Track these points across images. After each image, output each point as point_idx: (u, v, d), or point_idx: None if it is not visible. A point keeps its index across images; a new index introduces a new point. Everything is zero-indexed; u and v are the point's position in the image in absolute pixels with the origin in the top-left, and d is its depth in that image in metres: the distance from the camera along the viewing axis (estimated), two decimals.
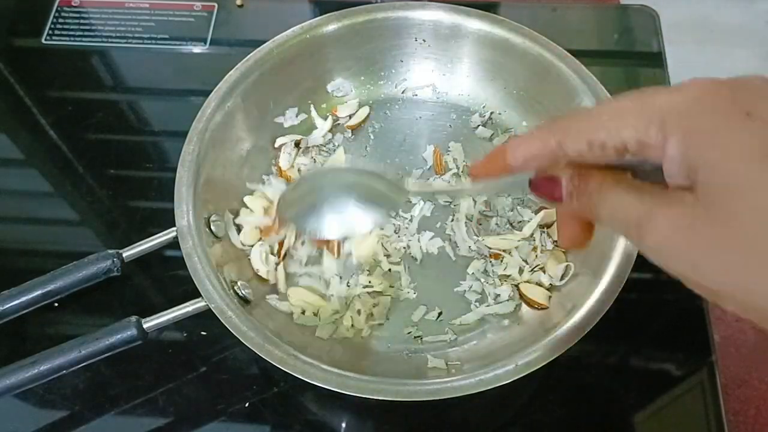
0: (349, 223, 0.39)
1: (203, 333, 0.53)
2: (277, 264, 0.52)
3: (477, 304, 0.52)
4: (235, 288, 0.48)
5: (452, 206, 0.56)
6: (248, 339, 0.43)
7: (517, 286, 0.52)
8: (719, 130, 0.26)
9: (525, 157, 0.33)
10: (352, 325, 0.51)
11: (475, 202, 0.56)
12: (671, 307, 0.54)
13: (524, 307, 0.51)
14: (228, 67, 0.55)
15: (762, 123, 0.26)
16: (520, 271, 0.52)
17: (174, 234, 0.47)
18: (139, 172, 0.62)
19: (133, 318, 0.44)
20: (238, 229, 0.53)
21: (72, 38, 0.70)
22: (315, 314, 0.51)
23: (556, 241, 0.53)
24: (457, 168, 0.58)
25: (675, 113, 0.28)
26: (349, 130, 0.60)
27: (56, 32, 0.70)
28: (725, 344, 0.53)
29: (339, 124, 0.60)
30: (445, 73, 0.61)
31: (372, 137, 0.60)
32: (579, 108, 0.31)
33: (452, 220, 0.55)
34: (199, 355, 0.53)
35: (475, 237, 0.54)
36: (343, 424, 0.51)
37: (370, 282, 0.52)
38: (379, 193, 0.39)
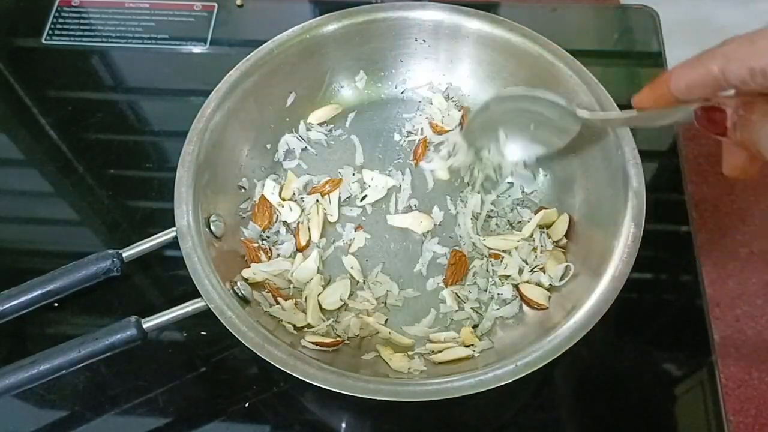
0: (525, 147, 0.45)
1: (203, 333, 0.53)
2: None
3: (482, 305, 0.52)
4: (235, 288, 0.48)
5: (458, 206, 0.57)
6: (248, 339, 0.43)
7: (516, 286, 0.52)
8: None
9: (688, 84, 0.32)
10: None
11: (482, 202, 0.56)
12: (671, 307, 0.54)
13: (525, 308, 0.51)
14: (228, 67, 0.55)
15: None
16: (520, 271, 0.52)
17: (174, 234, 0.47)
18: (139, 172, 0.63)
19: (133, 318, 0.44)
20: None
21: (72, 38, 0.70)
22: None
23: (556, 242, 0.53)
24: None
25: None
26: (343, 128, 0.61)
27: (56, 32, 0.70)
28: (725, 344, 0.53)
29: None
30: (445, 74, 0.61)
31: (368, 137, 0.60)
32: (736, 37, 0.30)
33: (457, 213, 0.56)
34: (199, 355, 0.53)
35: (477, 235, 0.54)
36: (343, 424, 0.51)
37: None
38: (551, 124, 0.44)
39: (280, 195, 0.56)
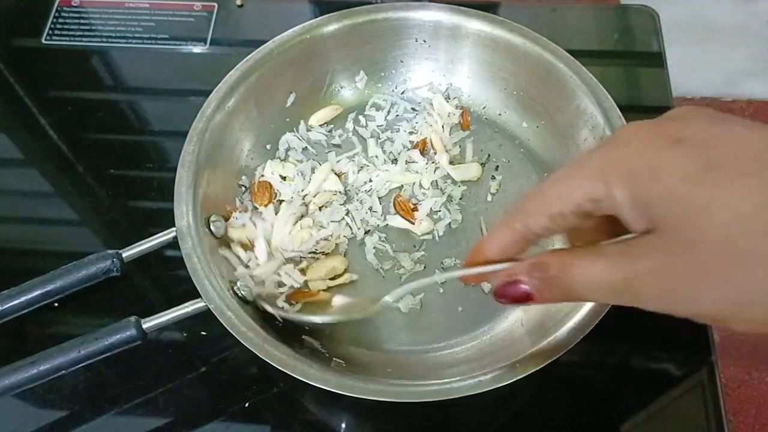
0: None
1: (203, 333, 0.53)
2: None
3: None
4: (235, 288, 0.48)
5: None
6: (247, 339, 0.43)
7: None
8: (655, 164, 0.27)
9: (500, 247, 0.34)
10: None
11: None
12: None
13: (525, 308, 0.51)
14: (228, 67, 0.55)
15: (692, 145, 0.27)
16: None
17: (174, 234, 0.47)
18: (139, 172, 0.62)
19: (133, 318, 0.44)
20: None
21: (72, 38, 0.70)
22: None
23: None
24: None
25: (611, 163, 0.29)
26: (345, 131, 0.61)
27: (56, 32, 0.70)
28: (725, 344, 0.53)
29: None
30: (446, 74, 0.61)
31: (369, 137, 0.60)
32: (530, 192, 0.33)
33: None
34: (199, 355, 0.53)
35: None
36: (343, 425, 0.51)
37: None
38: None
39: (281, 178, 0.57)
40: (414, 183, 0.58)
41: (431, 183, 0.58)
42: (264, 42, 0.56)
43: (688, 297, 0.27)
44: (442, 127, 0.59)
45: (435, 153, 0.59)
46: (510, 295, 0.33)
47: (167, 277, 0.56)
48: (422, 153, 0.59)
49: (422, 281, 0.43)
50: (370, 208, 0.56)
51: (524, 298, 0.33)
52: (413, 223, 0.55)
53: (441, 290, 0.53)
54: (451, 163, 0.58)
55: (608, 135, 0.51)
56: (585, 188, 0.29)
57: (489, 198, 0.57)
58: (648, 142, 0.28)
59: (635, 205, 0.28)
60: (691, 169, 0.26)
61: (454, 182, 0.58)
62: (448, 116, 0.60)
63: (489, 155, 0.59)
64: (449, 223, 0.56)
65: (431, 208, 0.56)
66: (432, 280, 0.42)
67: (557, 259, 0.31)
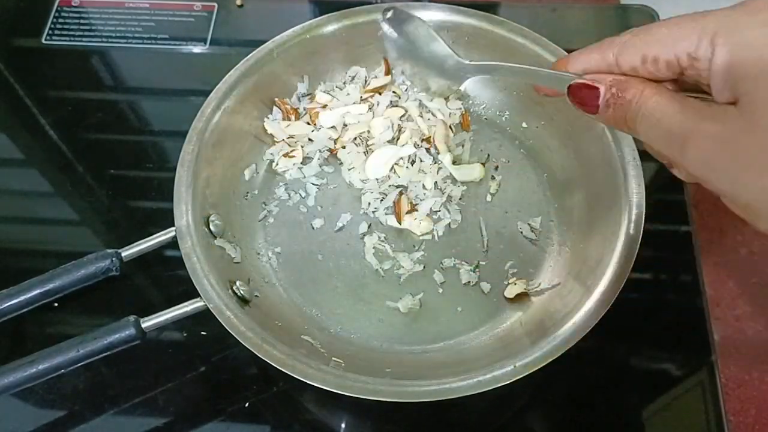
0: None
1: (203, 333, 0.53)
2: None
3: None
4: (234, 288, 0.48)
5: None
6: (246, 339, 0.43)
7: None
8: (767, 43, 0.26)
9: (584, 68, 0.34)
10: None
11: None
12: (671, 307, 0.54)
13: (524, 308, 0.51)
14: (228, 67, 0.55)
15: None
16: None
17: (173, 234, 0.47)
18: (139, 172, 0.63)
19: (132, 317, 0.44)
20: None
21: (72, 38, 0.70)
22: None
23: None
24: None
25: (726, 27, 0.28)
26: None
27: (56, 32, 0.70)
28: (725, 344, 0.53)
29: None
30: None
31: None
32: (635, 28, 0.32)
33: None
34: (198, 355, 0.53)
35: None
36: (343, 424, 0.51)
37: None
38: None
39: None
40: (419, 182, 0.58)
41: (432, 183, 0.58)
42: (264, 42, 0.56)
43: (734, 174, 0.27)
44: (449, 126, 0.59)
45: (438, 153, 0.59)
46: (581, 97, 0.34)
47: (166, 277, 0.56)
48: (428, 150, 0.59)
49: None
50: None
51: (590, 106, 0.33)
52: (400, 224, 0.55)
53: (440, 290, 0.53)
54: (453, 163, 0.58)
55: (607, 134, 0.51)
56: (690, 41, 0.29)
57: (488, 198, 0.57)
58: None
59: (730, 73, 0.28)
60: None
61: (453, 182, 0.57)
62: (449, 116, 0.60)
63: (489, 155, 0.59)
64: (449, 224, 0.56)
65: (431, 208, 0.56)
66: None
67: (640, 86, 0.31)
